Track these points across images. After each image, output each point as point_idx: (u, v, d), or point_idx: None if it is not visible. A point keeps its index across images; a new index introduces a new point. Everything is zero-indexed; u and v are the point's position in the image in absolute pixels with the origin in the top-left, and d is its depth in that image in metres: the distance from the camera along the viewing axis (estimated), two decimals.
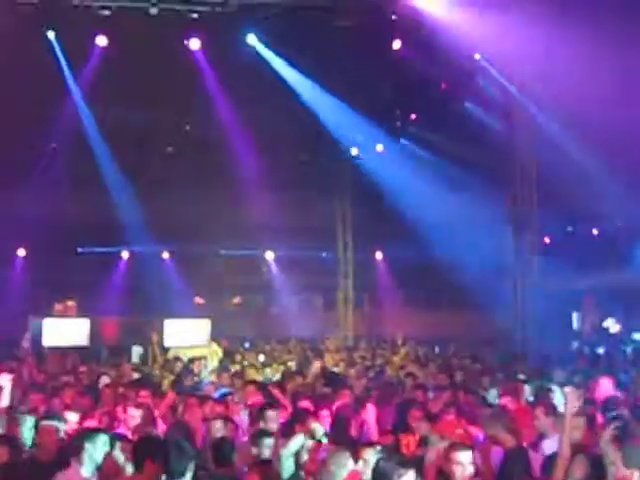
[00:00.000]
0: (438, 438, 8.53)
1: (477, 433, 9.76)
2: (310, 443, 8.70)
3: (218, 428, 9.82)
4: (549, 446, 9.21)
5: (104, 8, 20.48)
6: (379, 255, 34.56)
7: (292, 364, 21.49)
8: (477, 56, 23.53)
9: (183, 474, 7.03)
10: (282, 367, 20.49)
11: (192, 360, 19.67)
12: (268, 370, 20.25)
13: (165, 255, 33.51)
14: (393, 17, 22.45)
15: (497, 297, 25.40)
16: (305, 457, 8.48)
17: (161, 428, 10.76)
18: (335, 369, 19.79)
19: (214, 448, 8.56)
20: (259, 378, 17.50)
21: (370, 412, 10.47)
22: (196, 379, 17.23)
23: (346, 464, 7.52)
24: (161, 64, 22.14)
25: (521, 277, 23.79)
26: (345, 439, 9.40)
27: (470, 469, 7.51)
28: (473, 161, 26.94)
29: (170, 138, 29.27)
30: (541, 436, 9.85)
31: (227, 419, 10.38)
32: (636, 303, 30.58)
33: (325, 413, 10.88)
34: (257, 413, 10.25)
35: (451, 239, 28.97)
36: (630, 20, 22.85)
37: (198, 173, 28.44)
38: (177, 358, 21.24)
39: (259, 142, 26.78)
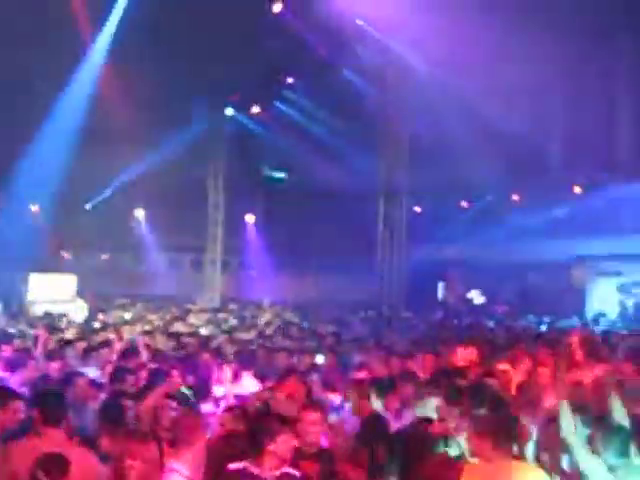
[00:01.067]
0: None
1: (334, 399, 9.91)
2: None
3: None
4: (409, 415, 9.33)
5: None
6: (250, 218, 34.44)
7: (159, 323, 21.32)
8: (359, 22, 23.59)
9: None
10: (148, 326, 20.31)
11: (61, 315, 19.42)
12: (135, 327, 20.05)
13: (33, 209, 32.77)
14: None
15: (367, 264, 25.64)
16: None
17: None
18: (201, 330, 19.73)
19: None
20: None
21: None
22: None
23: None
24: None
25: (389, 246, 24.06)
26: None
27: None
28: (349, 129, 27.12)
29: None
30: (404, 404, 9.96)
31: None
32: (501, 276, 31.36)
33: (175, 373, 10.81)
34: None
35: (325, 206, 29.21)
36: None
37: None
38: (48, 314, 20.95)
39: (136, 99, 26.34)
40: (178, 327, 19.53)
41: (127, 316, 23.50)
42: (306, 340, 16.89)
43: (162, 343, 15.19)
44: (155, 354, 12.65)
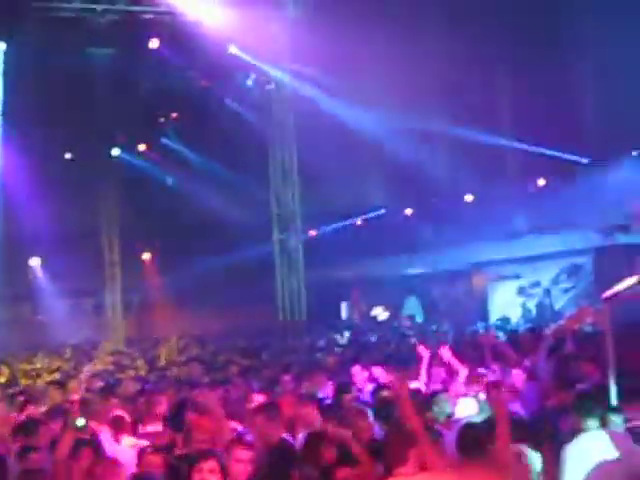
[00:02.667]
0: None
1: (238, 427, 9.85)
2: None
3: None
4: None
5: None
6: (147, 256, 34.18)
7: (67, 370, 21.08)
8: (233, 50, 23.57)
9: None
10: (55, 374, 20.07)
11: None
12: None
13: None
14: (149, 16, 22.29)
15: (269, 292, 25.59)
16: None
17: None
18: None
19: None
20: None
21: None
22: None
23: None
24: None
25: (287, 272, 24.06)
26: None
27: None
28: (237, 159, 27.11)
29: None
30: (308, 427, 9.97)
31: None
32: (403, 289, 31.60)
33: None
34: None
35: (219, 238, 29.13)
36: (404, 20, 23.64)
37: None
38: None
39: (23, 141, 25.98)
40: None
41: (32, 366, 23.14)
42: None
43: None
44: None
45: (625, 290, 8.16)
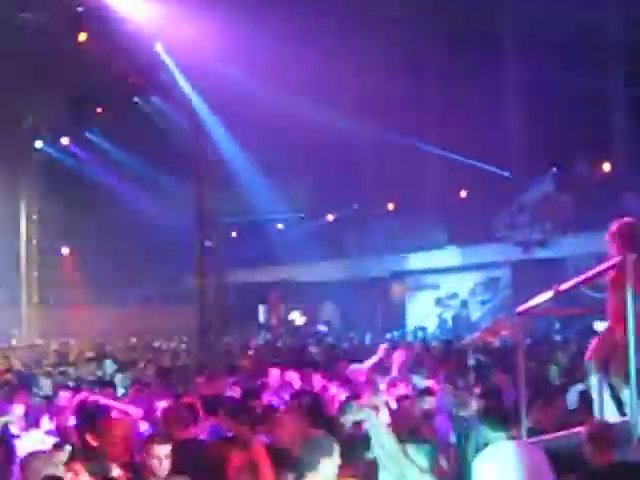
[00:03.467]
0: None
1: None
2: None
3: None
4: None
5: None
6: (66, 251, 33.77)
7: None
8: (159, 48, 23.45)
9: None
10: None
11: None
12: None
13: None
14: (79, 9, 22.03)
15: (189, 292, 25.43)
16: None
17: None
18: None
19: None
20: None
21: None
22: None
23: None
24: None
25: (207, 272, 23.95)
26: None
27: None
28: (161, 158, 26.96)
29: None
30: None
31: None
32: (321, 295, 31.67)
33: None
34: None
35: (143, 236, 28.96)
36: (309, 25, 23.71)
37: None
38: None
39: None
40: None
41: None
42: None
43: None
44: None
45: (540, 305, 8.26)
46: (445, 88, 28.20)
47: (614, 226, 8.47)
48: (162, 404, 10.86)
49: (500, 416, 7.62)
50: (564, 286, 7.97)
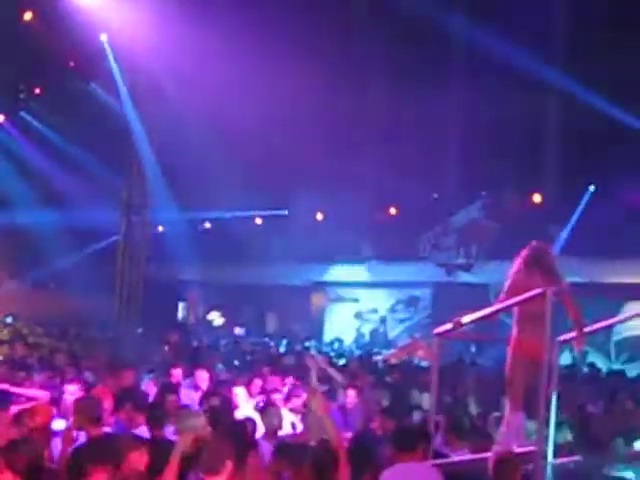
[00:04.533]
0: None
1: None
2: None
3: None
4: None
5: None
6: None
7: None
8: (104, 37, 23.29)
9: None
10: None
11: None
12: None
13: None
14: None
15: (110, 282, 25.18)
16: None
17: None
18: None
19: None
20: None
21: None
22: None
23: None
24: None
25: (128, 264, 23.76)
26: None
27: None
28: (96, 144, 26.68)
29: None
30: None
31: None
32: (241, 298, 31.59)
33: None
34: None
35: (65, 220, 28.64)
36: (260, 24, 23.75)
37: None
38: None
39: None
40: None
41: None
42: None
43: None
44: None
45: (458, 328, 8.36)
46: (383, 106, 28.36)
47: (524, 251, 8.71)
48: (71, 389, 10.80)
49: (408, 436, 7.63)
50: (466, 319, 8.10)
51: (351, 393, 12.46)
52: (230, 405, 11.01)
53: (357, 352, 25.92)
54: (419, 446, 7.38)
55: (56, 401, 10.77)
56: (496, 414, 11.13)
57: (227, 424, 9.00)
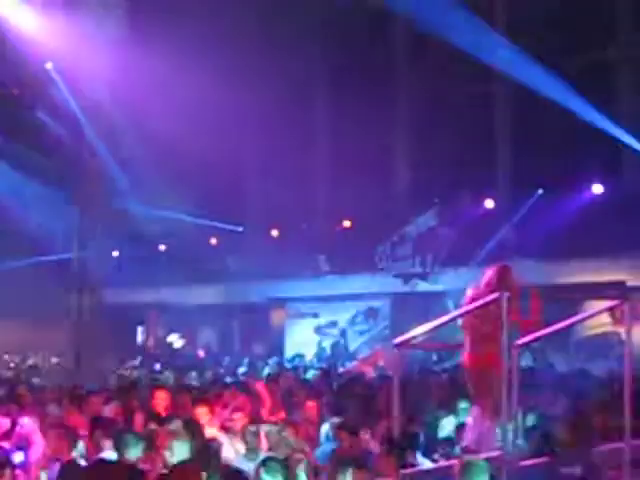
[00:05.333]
0: None
1: None
2: None
3: None
4: None
5: None
6: None
7: None
8: (49, 66, 23.18)
9: None
10: None
11: None
12: None
13: None
14: None
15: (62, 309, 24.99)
16: None
17: None
18: None
19: None
20: None
21: None
22: None
23: None
24: None
25: (83, 290, 23.59)
26: None
27: None
28: (44, 171, 26.47)
29: None
30: None
31: None
32: (201, 319, 31.46)
33: None
34: None
35: (19, 250, 28.40)
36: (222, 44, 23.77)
37: None
38: None
39: None
40: None
41: None
42: None
43: None
44: None
45: (417, 337, 8.39)
46: (334, 118, 28.45)
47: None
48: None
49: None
50: (419, 329, 8.17)
51: (310, 404, 12.47)
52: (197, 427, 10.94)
53: (318, 366, 25.92)
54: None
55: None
56: (453, 419, 11.21)
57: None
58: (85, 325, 23.36)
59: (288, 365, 26.05)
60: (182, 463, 7.26)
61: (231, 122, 25.32)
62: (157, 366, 25.33)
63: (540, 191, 25.19)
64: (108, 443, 9.22)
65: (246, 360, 26.89)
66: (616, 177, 24.16)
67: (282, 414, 12.60)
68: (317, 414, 12.36)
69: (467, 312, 8.36)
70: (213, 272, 29.73)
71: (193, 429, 9.60)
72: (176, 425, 9.40)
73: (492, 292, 8.24)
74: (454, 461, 7.82)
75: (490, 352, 8.01)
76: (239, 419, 11.21)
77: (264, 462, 7.89)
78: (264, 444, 10.28)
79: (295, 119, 26.99)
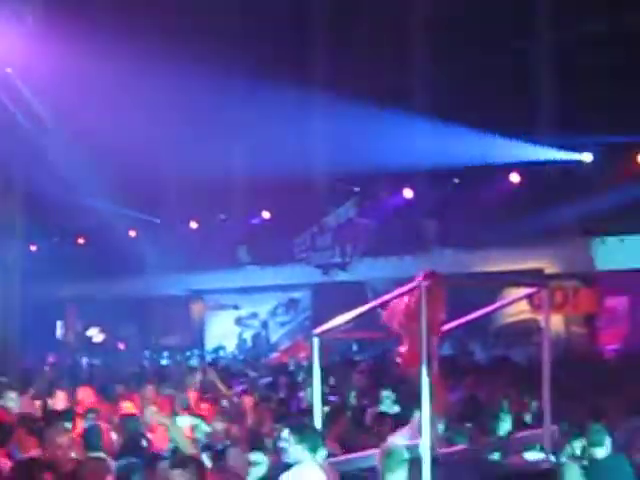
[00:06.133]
0: None
1: None
2: None
3: None
4: None
5: None
6: None
7: None
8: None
9: None
10: None
11: None
12: None
13: None
14: None
15: None
16: None
17: None
18: None
19: None
20: None
21: None
22: None
23: None
24: None
25: (2, 286, 23.22)
26: None
27: None
28: None
29: None
30: None
31: None
32: (120, 312, 31.22)
33: None
34: None
35: None
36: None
37: None
38: None
39: None
40: None
41: None
42: None
43: None
44: None
45: (338, 327, 8.43)
46: (252, 108, 28.37)
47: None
48: None
49: (304, 434, 7.70)
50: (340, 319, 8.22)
51: (248, 400, 12.54)
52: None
53: (240, 358, 25.94)
54: (312, 444, 7.48)
55: None
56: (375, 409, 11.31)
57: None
58: (3, 322, 23.01)
59: (209, 358, 26.04)
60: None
61: (149, 112, 25.10)
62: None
63: (456, 180, 25.39)
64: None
65: (166, 353, 26.84)
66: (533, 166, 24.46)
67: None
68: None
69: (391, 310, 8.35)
70: (132, 265, 29.51)
71: None
72: None
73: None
74: (375, 450, 7.89)
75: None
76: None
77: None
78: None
79: (213, 108, 26.85)
